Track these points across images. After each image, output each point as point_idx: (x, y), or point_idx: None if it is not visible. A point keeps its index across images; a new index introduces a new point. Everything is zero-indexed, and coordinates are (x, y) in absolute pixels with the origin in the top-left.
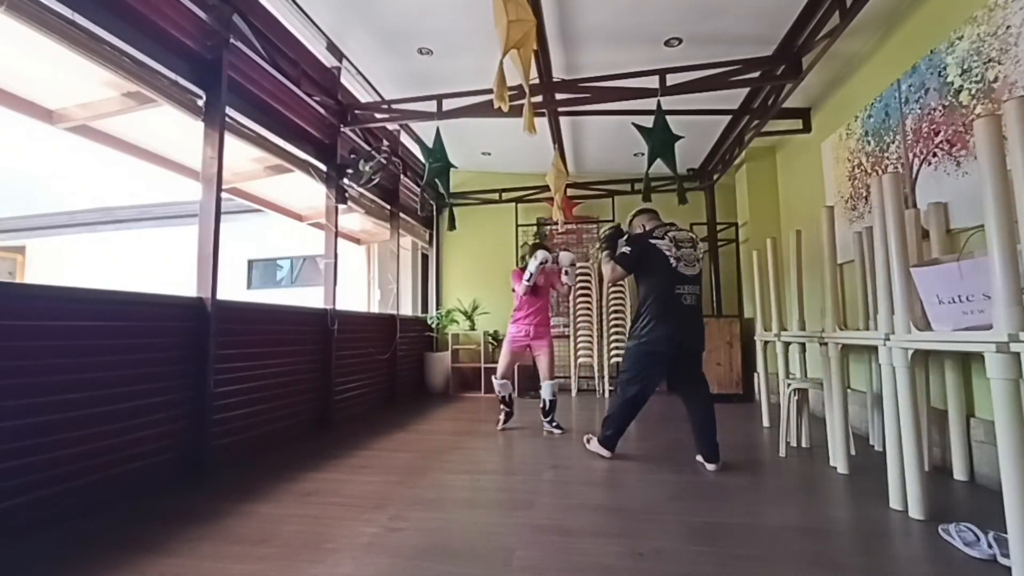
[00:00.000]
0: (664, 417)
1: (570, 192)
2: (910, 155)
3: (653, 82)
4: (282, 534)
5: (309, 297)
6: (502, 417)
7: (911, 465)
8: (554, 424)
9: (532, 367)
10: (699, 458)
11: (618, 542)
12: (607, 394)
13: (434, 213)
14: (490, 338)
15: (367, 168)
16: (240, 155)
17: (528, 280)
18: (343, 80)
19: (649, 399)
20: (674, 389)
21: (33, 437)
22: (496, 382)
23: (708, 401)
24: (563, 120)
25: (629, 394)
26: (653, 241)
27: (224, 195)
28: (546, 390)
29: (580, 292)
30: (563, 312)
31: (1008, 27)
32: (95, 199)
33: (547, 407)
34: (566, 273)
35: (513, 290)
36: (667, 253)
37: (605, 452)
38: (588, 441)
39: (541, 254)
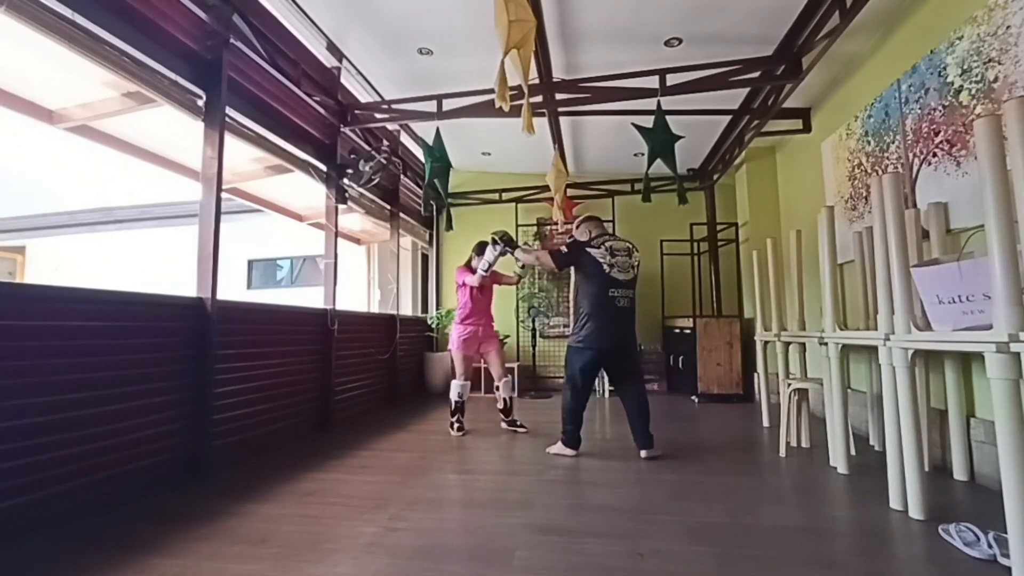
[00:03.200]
0: (663, 418)
1: (570, 192)
2: (910, 155)
3: (653, 82)
4: (282, 534)
5: (309, 297)
6: (456, 425)
7: (911, 465)
8: (517, 423)
9: (532, 366)
10: (639, 450)
11: (618, 542)
12: (606, 393)
13: (434, 213)
14: None
15: (367, 168)
16: (240, 155)
17: (485, 270)
18: (343, 80)
19: (591, 394)
20: (614, 387)
21: (33, 437)
22: (457, 384)
23: (642, 398)
24: (563, 120)
25: (570, 392)
26: (589, 250)
27: (224, 195)
28: (505, 388)
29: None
30: (564, 312)
31: (1008, 27)
32: (95, 199)
33: (508, 405)
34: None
35: (463, 285)
36: (600, 260)
37: (569, 451)
38: (551, 447)
39: (499, 246)
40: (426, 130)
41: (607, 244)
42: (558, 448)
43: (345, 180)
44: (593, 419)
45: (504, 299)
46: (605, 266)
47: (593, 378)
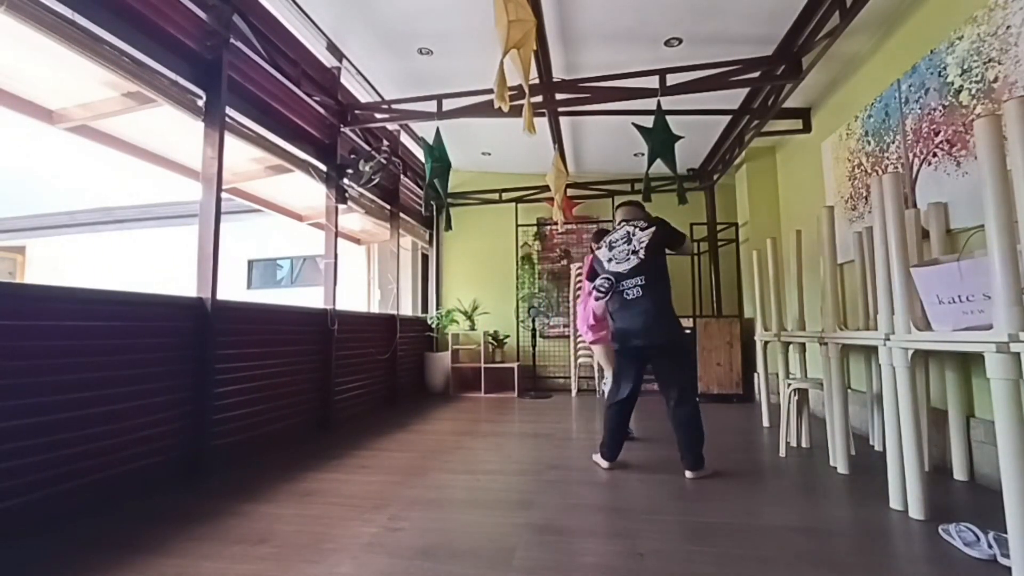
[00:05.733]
0: (663, 417)
1: (570, 192)
2: (910, 155)
3: (653, 82)
4: (282, 534)
5: (309, 297)
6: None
7: (911, 465)
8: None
9: (532, 366)
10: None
11: (618, 542)
12: (607, 395)
13: (434, 213)
14: (490, 338)
15: (367, 168)
16: (240, 155)
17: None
18: (343, 80)
19: (634, 401)
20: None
21: (33, 437)
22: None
23: (684, 410)
24: (563, 120)
25: (607, 397)
26: (596, 252)
27: (224, 195)
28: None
29: (580, 292)
30: (563, 312)
31: (1008, 27)
32: (95, 199)
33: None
34: None
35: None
36: (603, 260)
37: (603, 463)
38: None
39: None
40: (426, 130)
41: (607, 239)
42: (596, 458)
43: (345, 180)
44: (593, 418)
45: (504, 299)
46: (606, 263)
47: (629, 381)
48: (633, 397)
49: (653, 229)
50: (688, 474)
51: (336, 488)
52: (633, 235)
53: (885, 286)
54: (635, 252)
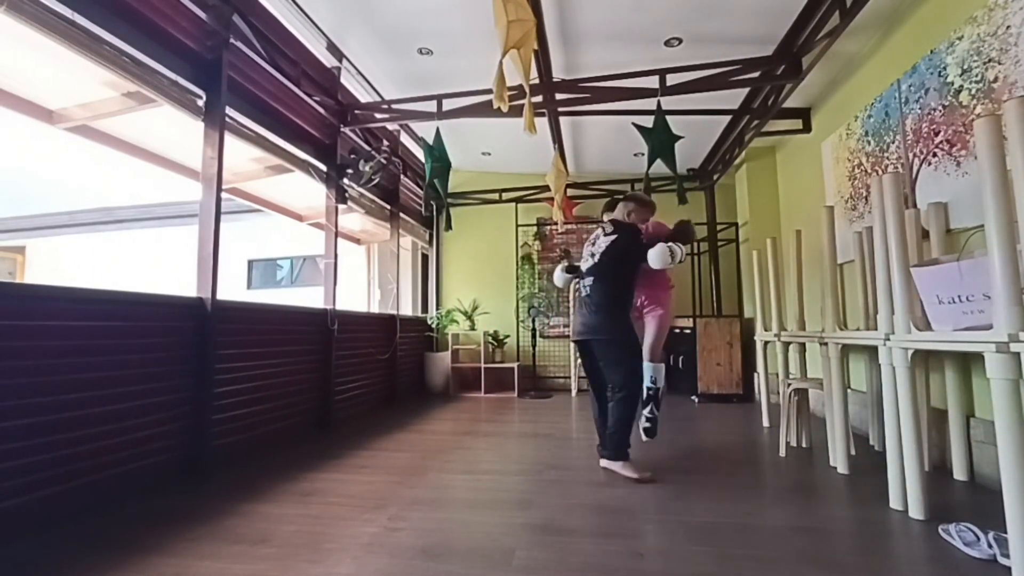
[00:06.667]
0: (662, 418)
1: (570, 192)
2: (910, 155)
3: (653, 82)
4: (282, 534)
5: (309, 297)
6: (647, 427)
7: (911, 465)
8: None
9: (532, 366)
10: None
11: (618, 542)
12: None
13: (434, 213)
14: (490, 338)
15: (367, 168)
16: (240, 155)
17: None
18: (343, 80)
19: (603, 397)
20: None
21: (33, 437)
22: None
23: (614, 405)
24: (563, 120)
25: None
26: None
27: (224, 195)
28: (647, 373)
29: None
30: (563, 312)
31: (1008, 27)
32: (95, 199)
33: (646, 395)
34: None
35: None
36: (584, 252)
37: (601, 461)
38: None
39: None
40: (426, 130)
41: (592, 235)
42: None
43: (345, 180)
44: (589, 417)
45: (504, 299)
46: (583, 257)
47: (588, 375)
48: (597, 392)
49: (614, 238)
50: (601, 462)
51: (336, 488)
52: (599, 238)
53: (885, 286)
54: (593, 255)
